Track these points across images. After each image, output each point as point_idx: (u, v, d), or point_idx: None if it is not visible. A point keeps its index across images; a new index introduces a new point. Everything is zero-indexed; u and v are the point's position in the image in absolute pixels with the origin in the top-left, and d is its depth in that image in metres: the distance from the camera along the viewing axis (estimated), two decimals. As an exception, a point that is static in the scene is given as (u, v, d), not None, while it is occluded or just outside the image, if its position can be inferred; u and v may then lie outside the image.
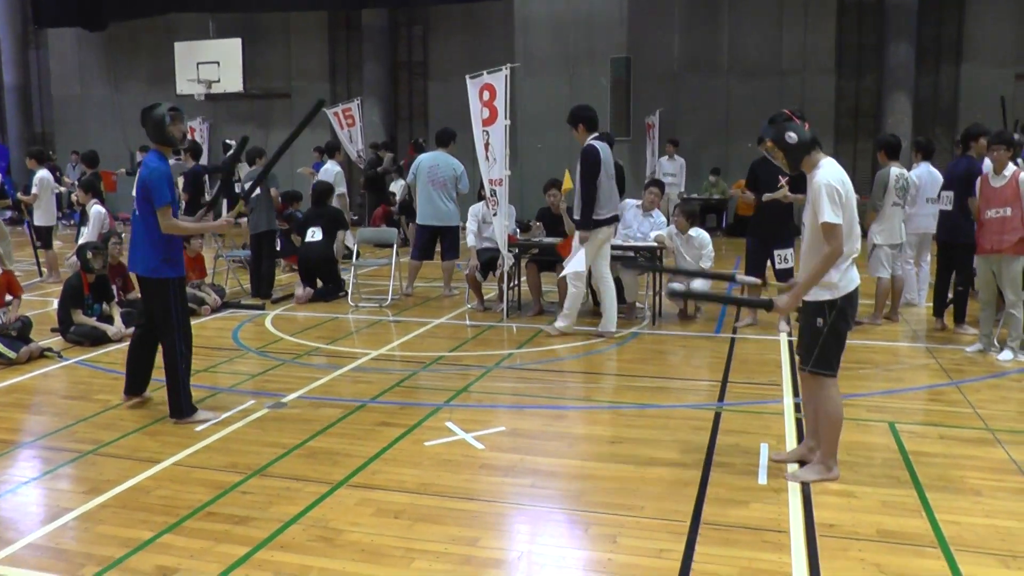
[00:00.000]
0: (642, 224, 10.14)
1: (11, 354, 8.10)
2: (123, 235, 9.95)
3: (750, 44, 20.38)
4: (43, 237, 13.46)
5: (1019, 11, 18.86)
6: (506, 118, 9.82)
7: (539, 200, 10.73)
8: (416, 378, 7.69)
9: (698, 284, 9.76)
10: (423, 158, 11.82)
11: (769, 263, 9.30)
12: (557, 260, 9.93)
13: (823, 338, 5.00)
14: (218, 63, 22.18)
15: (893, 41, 18.94)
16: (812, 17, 19.98)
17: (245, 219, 12.24)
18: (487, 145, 10.11)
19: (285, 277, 13.50)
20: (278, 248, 13.45)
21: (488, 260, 10.66)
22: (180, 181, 13.61)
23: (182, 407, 6.36)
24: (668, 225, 10.29)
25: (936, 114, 19.61)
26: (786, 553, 4.22)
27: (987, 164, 8.43)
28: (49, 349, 8.51)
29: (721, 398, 7.00)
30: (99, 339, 8.87)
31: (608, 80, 20.51)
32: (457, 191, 11.61)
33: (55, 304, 9.58)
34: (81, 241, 10.87)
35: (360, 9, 22.19)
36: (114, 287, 9.50)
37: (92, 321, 8.98)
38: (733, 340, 9.07)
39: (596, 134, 9.15)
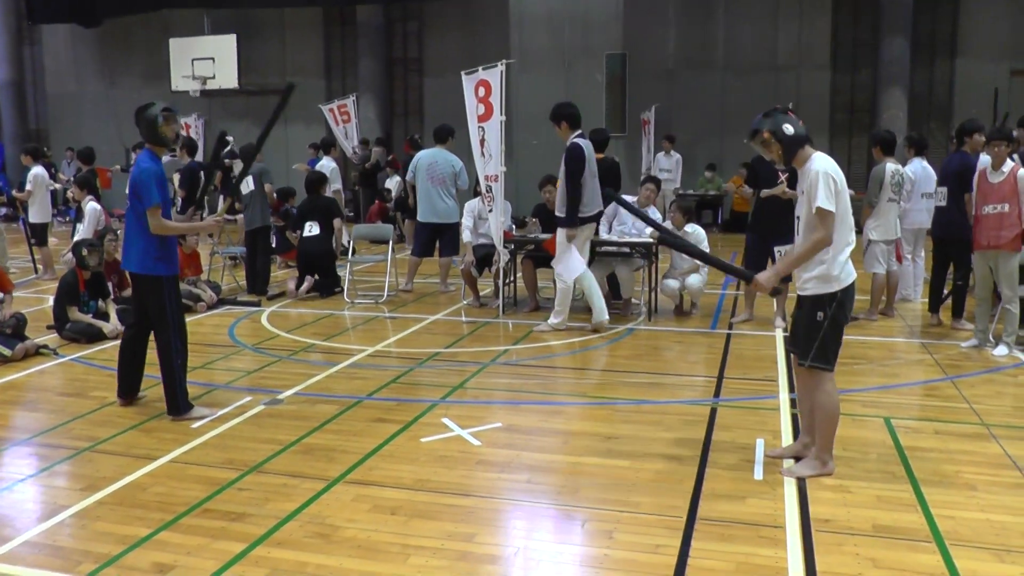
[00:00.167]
0: (637, 220, 10.13)
1: (6, 351, 8.10)
2: (119, 232, 9.91)
3: (745, 40, 20.39)
4: (38, 234, 13.43)
5: (1013, 6, 18.88)
6: (502, 114, 9.81)
7: (535, 196, 10.73)
8: (412, 374, 7.69)
9: (694, 280, 9.78)
10: (422, 155, 11.81)
11: (769, 259, 9.30)
12: (552, 256, 9.93)
13: (823, 332, 5.01)
14: (213, 59, 22.17)
15: (888, 36, 18.97)
16: (807, 12, 19.99)
17: (240, 215, 12.24)
18: (483, 141, 10.10)
19: (281, 273, 13.49)
20: (273, 244, 13.45)
21: (484, 256, 10.67)
22: (176, 178, 13.61)
23: (179, 404, 6.36)
24: (664, 221, 10.30)
25: (931, 109, 19.65)
26: (782, 548, 4.23)
27: (983, 159, 8.44)
28: (45, 346, 8.50)
29: (717, 394, 7.01)
30: (95, 336, 8.87)
31: (604, 76, 20.57)
32: (456, 187, 11.60)
33: (51, 301, 9.57)
34: (77, 238, 10.86)
35: (355, 5, 22.17)
36: (110, 284, 9.50)
37: (88, 318, 8.98)
38: (729, 336, 9.09)
39: (579, 131, 9.16)
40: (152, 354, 6.54)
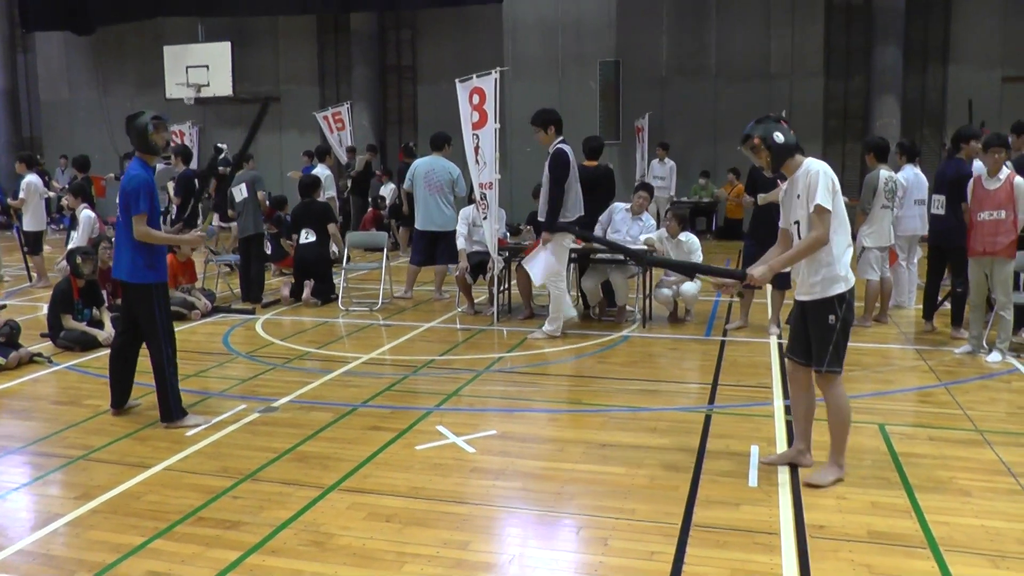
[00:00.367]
0: (631, 227, 10.14)
1: (0, 360, 8.08)
2: (113, 240, 9.91)
3: (738, 47, 20.43)
4: (32, 242, 13.41)
5: (1005, 13, 18.95)
6: (496, 122, 9.82)
7: (529, 204, 10.74)
8: (407, 382, 7.69)
9: (688, 287, 9.79)
10: (419, 163, 11.81)
11: None
12: None
13: (836, 335, 5.02)
14: (207, 67, 22.15)
15: (881, 43, 19.01)
16: (800, 20, 20.04)
17: (234, 223, 12.22)
18: (477, 149, 10.12)
19: (275, 281, 13.48)
20: (268, 252, 13.45)
21: (478, 263, 10.68)
22: (171, 186, 13.60)
23: (172, 411, 6.36)
24: (659, 228, 10.32)
25: (924, 116, 19.69)
26: (777, 554, 4.24)
27: (977, 165, 8.46)
28: (39, 354, 8.48)
29: (711, 401, 7.01)
30: (89, 344, 8.85)
31: (597, 84, 20.59)
32: (454, 195, 11.60)
33: (45, 309, 9.56)
34: (71, 246, 10.84)
35: (349, 13, 22.17)
36: (104, 292, 9.49)
37: (82, 326, 8.96)
38: (723, 343, 9.09)
39: (561, 137, 9.19)
40: (144, 362, 6.54)
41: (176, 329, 6.66)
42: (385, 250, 11.82)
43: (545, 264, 9.12)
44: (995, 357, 8.08)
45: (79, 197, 11.99)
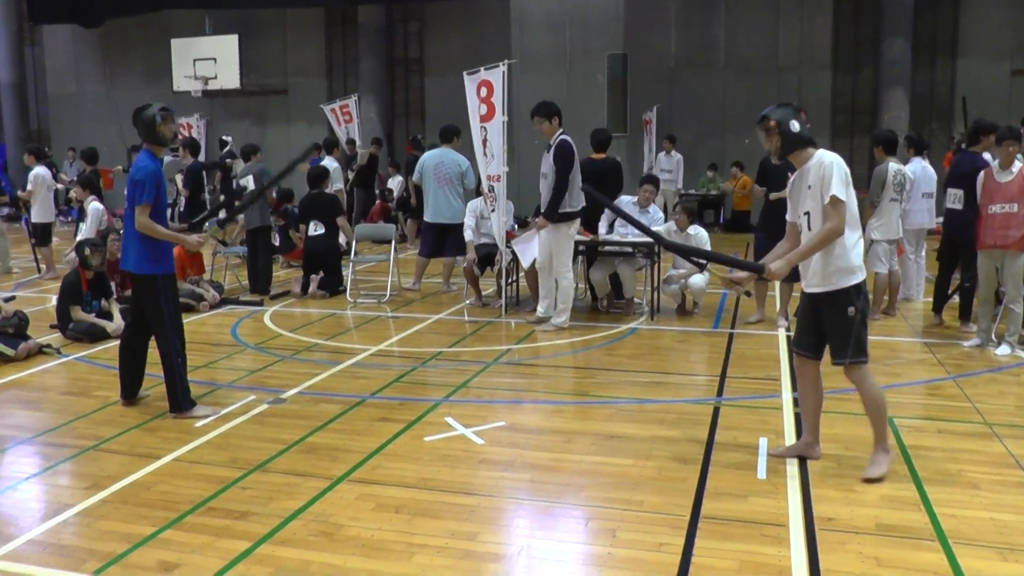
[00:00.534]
0: (639, 220, 10.10)
1: (9, 351, 8.11)
2: (121, 231, 9.93)
3: (746, 40, 20.37)
4: (40, 234, 13.45)
5: (1014, 6, 18.86)
6: (504, 114, 9.82)
7: (537, 196, 10.69)
8: (415, 374, 7.70)
9: (696, 279, 9.78)
10: (428, 156, 11.81)
11: None
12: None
13: (856, 326, 5.02)
14: (215, 59, 22.19)
15: (889, 36, 18.94)
16: (808, 13, 19.97)
17: (241, 215, 12.24)
18: (485, 141, 10.12)
19: (283, 273, 13.50)
20: (276, 244, 13.46)
21: (486, 255, 10.68)
22: (179, 178, 13.63)
23: (180, 401, 6.38)
24: (667, 221, 10.30)
25: (932, 109, 19.63)
26: (785, 547, 4.24)
27: (986, 157, 8.40)
28: (48, 345, 8.51)
29: (720, 393, 7.01)
30: (98, 335, 8.87)
31: (605, 77, 20.53)
32: (464, 187, 11.60)
33: (53, 301, 9.58)
34: (80, 238, 10.87)
35: (356, 5, 22.16)
36: (112, 283, 9.51)
37: (91, 318, 8.99)
38: (731, 335, 9.09)
39: (562, 129, 9.24)
40: (153, 353, 6.55)
41: (184, 320, 6.68)
42: (393, 242, 11.83)
43: (533, 248, 9.31)
44: (1004, 350, 8.06)
45: (87, 189, 12.02)
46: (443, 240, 11.59)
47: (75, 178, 15.58)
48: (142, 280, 6.40)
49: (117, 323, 8.97)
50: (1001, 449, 5.61)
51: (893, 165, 9.46)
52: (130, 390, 6.71)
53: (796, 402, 6.30)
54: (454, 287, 11.87)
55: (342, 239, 11.96)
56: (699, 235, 9.81)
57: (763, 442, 5.71)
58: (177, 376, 6.36)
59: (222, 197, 14.47)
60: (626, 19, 20.48)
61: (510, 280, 10.58)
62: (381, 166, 19.53)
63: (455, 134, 11.74)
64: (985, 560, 4.10)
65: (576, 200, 9.14)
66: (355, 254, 11.77)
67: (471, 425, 6.12)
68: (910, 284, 10.69)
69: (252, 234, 11.77)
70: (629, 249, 9.90)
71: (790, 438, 5.83)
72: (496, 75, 9.83)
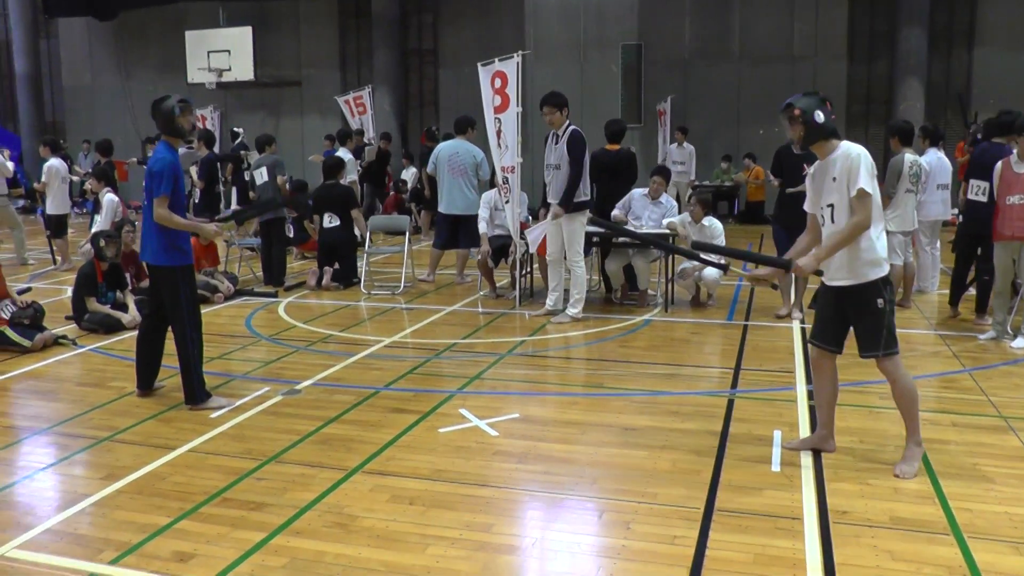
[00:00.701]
0: (652, 212, 10.07)
1: (26, 342, 8.16)
2: (136, 223, 9.97)
3: (761, 30, 20.28)
4: (55, 225, 13.52)
5: (1032, -4, 18.74)
6: (518, 105, 9.80)
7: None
8: (429, 365, 7.71)
9: (711, 271, 9.74)
10: (442, 147, 11.81)
11: None
12: (543, 257, 10.10)
13: (887, 317, 4.99)
14: (229, 52, 22.22)
15: (905, 26, 18.82)
16: (824, 3, 19.86)
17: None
18: (499, 132, 10.10)
19: (297, 264, 13.53)
20: (290, 236, 13.49)
21: (500, 247, 10.68)
22: (194, 170, 13.67)
23: (196, 393, 6.40)
24: (681, 212, 10.28)
25: (948, 100, 19.50)
26: (800, 540, 4.23)
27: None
28: (64, 337, 8.56)
29: (734, 386, 7.00)
30: (113, 327, 8.92)
31: (619, 67, 20.50)
32: (478, 178, 11.60)
33: (69, 292, 9.63)
34: (95, 229, 10.92)
35: (370, -4, 22.18)
36: (127, 275, 9.55)
37: (106, 309, 9.03)
38: (745, 327, 9.07)
39: (569, 120, 9.27)
40: (169, 344, 6.58)
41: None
42: (407, 234, 11.84)
43: (542, 236, 9.42)
44: (1019, 343, 8.02)
45: (102, 181, 12.07)
46: (457, 231, 11.58)
47: (90, 170, 15.64)
48: (161, 271, 6.42)
49: (132, 314, 9.01)
50: (1016, 443, 5.59)
51: (909, 156, 9.40)
52: (146, 381, 6.74)
53: (811, 395, 6.29)
54: (468, 279, 11.88)
55: (357, 231, 11.97)
56: (713, 226, 9.77)
57: (777, 435, 5.70)
58: (193, 368, 6.39)
59: (235, 189, 14.47)
60: (640, 9, 20.45)
61: (524, 272, 10.57)
62: (394, 158, 19.53)
63: (469, 125, 11.72)
64: (1000, 554, 4.08)
65: (587, 189, 9.18)
66: (369, 245, 11.79)
67: (485, 417, 6.12)
68: (925, 276, 10.64)
69: (266, 226, 11.79)
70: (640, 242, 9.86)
71: (804, 431, 5.81)
72: (510, 66, 9.81)
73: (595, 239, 9.92)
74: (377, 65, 22.34)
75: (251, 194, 12.73)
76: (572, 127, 9.12)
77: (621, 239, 9.84)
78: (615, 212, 10.02)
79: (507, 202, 10.11)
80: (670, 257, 9.88)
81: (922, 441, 5.18)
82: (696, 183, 18.98)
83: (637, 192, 10.20)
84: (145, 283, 9.72)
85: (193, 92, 21.81)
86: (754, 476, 5.05)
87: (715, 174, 20.11)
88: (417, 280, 11.85)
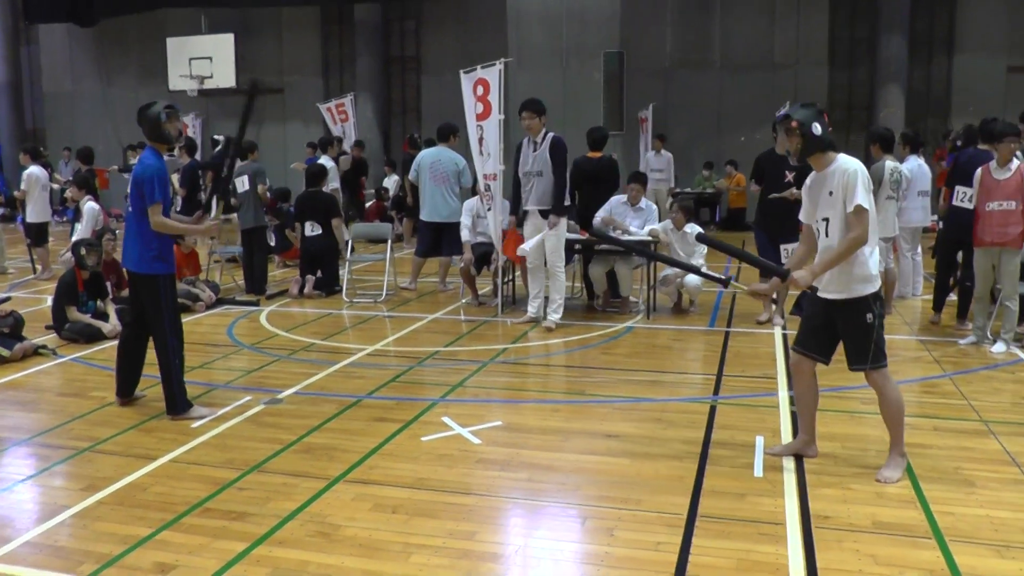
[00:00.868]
0: (633, 219, 10.05)
1: (5, 352, 8.09)
2: (117, 231, 9.93)
3: (742, 38, 20.40)
4: (35, 234, 13.41)
5: (1011, 3, 18.90)
6: (500, 113, 9.80)
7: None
8: (412, 373, 7.70)
9: (692, 278, 9.76)
10: (424, 154, 11.80)
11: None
12: (513, 260, 10.12)
13: (875, 331, 5.00)
14: (210, 58, 22.17)
15: (886, 33, 18.97)
16: (804, 10, 20.00)
17: (235, 214, 12.22)
18: (481, 140, 10.11)
19: (279, 273, 13.49)
20: (272, 244, 13.45)
21: (482, 255, 10.67)
22: (175, 177, 13.61)
23: (177, 403, 6.36)
24: (662, 220, 10.31)
25: (929, 106, 19.65)
26: (782, 545, 4.24)
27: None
28: (43, 346, 8.49)
29: (716, 392, 7.01)
30: (94, 336, 8.86)
31: (601, 75, 20.51)
32: (460, 186, 11.59)
33: (49, 301, 9.57)
34: (75, 238, 10.85)
35: (352, 4, 22.15)
36: (108, 284, 9.49)
37: (87, 318, 8.97)
38: (727, 334, 9.09)
39: (545, 127, 9.32)
40: (151, 353, 6.54)
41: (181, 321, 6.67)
42: (389, 241, 11.82)
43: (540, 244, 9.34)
44: (1000, 347, 8.08)
45: (83, 189, 12.01)
46: (439, 239, 11.57)
47: (70, 178, 15.55)
48: (142, 279, 6.38)
49: (113, 324, 8.96)
50: (997, 446, 5.62)
51: (890, 163, 9.45)
52: (126, 388, 6.69)
53: (792, 400, 6.31)
54: (450, 286, 11.87)
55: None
56: (695, 233, 9.77)
57: (760, 441, 5.72)
58: (174, 377, 6.35)
59: (214, 197, 14.43)
60: (622, 17, 20.46)
61: (506, 279, 10.57)
62: (376, 166, 19.49)
63: (452, 132, 11.72)
64: (981, 558, 4.11)
65: (567, 195, 9.27)
66: (351, 253, 11.76)
67: (468, 425, 6.11)
68: (906, 282, 10.70)
69: (247, 234, 11.75)
70: (622, 249, 9.85)
71: (787, 436, 5.83)
72: (493, 73, 9.82)
73: (576, 246, 9.92)
74: (360, 72, 22.35)
75: (233, 201, 12.67)
76: (551, 133, 9.15)
77: (602, 246, 9.84)
78: (597, 219, 10.01)
79: (489, 210, 10.12)
80: (652, 264, 9.89)
81: (906, 452, 5.20)
82: (676, 190, 19.03)
83: (616, 199, 10.18)
84: (126, 292, 9.68)
85: (175, 99, 21.54)
86: (737, 482, 5.06)
87: (697, 181, 20.18)
88: (399, 288, 11.83)
